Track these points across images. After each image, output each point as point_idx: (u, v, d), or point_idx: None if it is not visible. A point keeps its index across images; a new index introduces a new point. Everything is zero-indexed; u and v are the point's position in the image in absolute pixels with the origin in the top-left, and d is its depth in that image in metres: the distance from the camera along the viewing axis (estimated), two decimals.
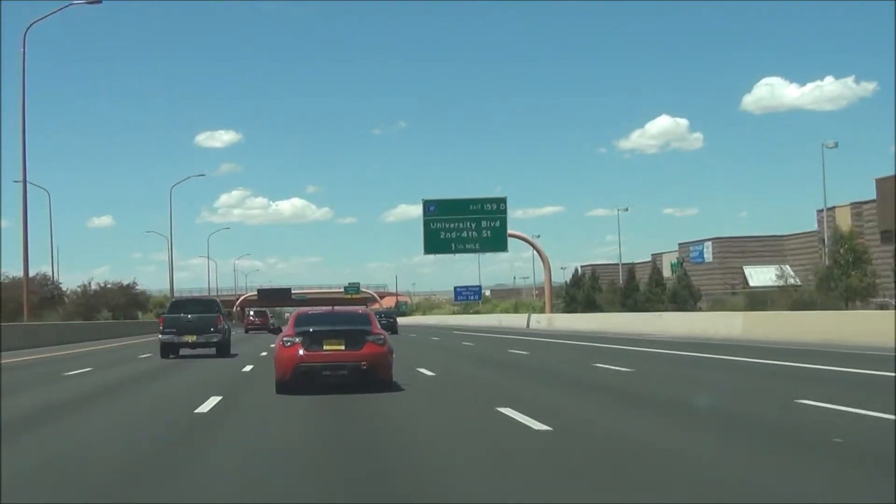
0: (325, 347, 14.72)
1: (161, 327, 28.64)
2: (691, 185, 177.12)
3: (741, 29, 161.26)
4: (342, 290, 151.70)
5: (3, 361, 24.40)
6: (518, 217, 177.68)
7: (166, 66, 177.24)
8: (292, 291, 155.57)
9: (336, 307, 25.53)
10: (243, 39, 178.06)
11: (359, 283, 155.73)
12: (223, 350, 28.78)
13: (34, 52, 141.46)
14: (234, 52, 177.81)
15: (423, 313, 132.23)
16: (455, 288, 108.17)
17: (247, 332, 71.27)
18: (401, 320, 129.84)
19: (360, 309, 19.22)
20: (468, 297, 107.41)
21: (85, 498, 6.71)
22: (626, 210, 79.32)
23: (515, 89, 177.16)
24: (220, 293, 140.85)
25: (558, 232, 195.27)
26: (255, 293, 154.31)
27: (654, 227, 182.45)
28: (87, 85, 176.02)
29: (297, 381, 14.68)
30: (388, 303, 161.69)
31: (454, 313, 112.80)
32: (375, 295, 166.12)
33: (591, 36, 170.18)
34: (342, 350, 14.71)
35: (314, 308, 20.28)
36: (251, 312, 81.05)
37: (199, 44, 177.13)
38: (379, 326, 15.82)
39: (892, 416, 10.27)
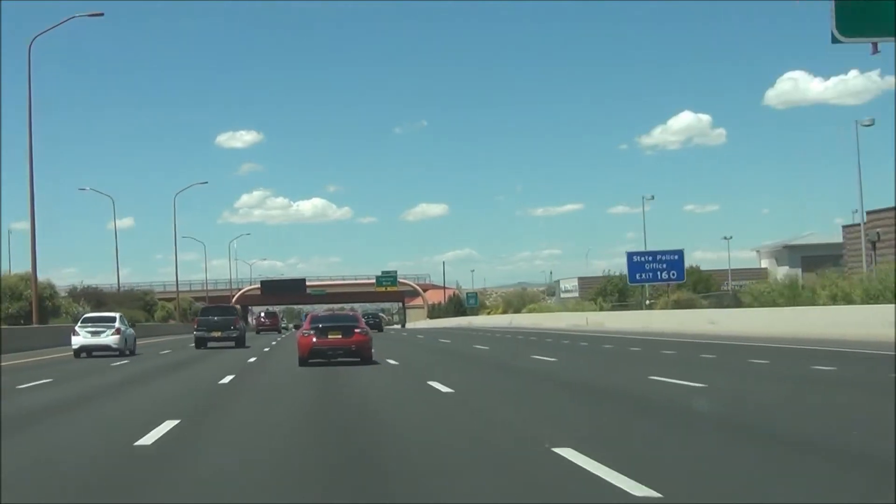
0: (329, 336, 21.98)
1: (195, 326, 38.87)
2: (713, 182, 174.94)
3: (764, 23, 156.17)
4: (373, 280, 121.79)
5: None
6: (538, 215, 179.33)
7: (187, 66, 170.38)
8: (307, 284, 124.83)
9: (336, 311, 35.81)
10: (264, 39, 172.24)
11: (395, 272, 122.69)
12: (240, 342, 37.79)
13: (53, 55, 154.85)
14: (254, 52, 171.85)
15: (505, 310, 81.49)
16: (629, 256, 54.32)
17: (258, 332, 69.66)
18: (479, 321, 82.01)
19: (352, 311, 32.53)
20: (656, 276, 53.36)
21: None
22: None
23: (536, 86, 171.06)
24: (209, 288, 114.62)
25: (578, 230, 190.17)
26: (258, 287, 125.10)
27: (673, 225, 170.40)
28: (104, 85, 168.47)
29: (312, 357, 21.98)
30: (433, 297, 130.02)
31: (599, 309, 60.60)
32: (417, 287, 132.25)
33: (612, 32, 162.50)
34: (340, 338, 21.99)
35: (322, 311, 29.22)
36: (262, 314, 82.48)
37: (219, 44, 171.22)
38: (364, 324, 23.61)
39: None
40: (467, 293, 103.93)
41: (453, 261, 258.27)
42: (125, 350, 32.53)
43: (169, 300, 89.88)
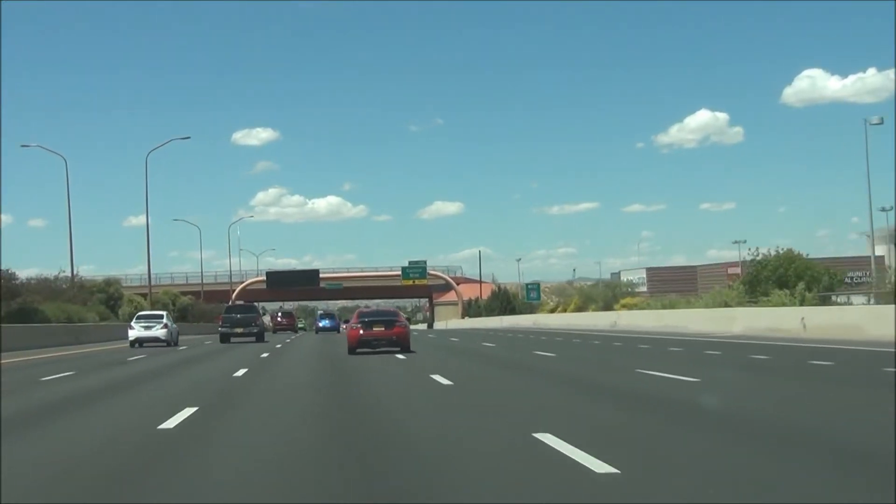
0: (374, 329, 25.19)
1: (220, 323, 42.64)
2: (730, 180, 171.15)
3: (781, 20, 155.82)
4: (397, 272, 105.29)
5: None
6: (553, 213, 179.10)
7: (203, 64, 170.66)
8: (321, 276, 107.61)
9: (380, 307, 44.27)
10: (280, 37, 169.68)
11: (425, 263, 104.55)
12: (260, 338, 40.67)
13: (66, 56, 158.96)
14: (270, 51, 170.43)
15: (580, 306, 60.50)
16: None
17: (274, 332, 69.47)
18: (554, 321, 60.84)
19: (392, 308, 38.92)
20: None
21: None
22: None
23: (553, 84, 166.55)
24: (206, 281, 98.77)
25: (592, 228, 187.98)
26: (263, 279, 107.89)
27: (690, 224, 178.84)
28: (123, 83, 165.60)
29: (360, 346, 24.96)
30: (469, 291, 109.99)
31: (798, 301, 37.91)
32: (450, 280, 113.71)
33: (630, 31, 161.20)
34: (383, 330, 25.22)
35: (367, 308, 36.25)
36: (279, 314, 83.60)
37: (235, 42, 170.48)
38: (403, 318, 27.27)
39: None
40: (527, 285, 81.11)
41: (469, 259, 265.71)
42: (171, 341, 38.78)
43: (144, 295, 68.33)
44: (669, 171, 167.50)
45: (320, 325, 70.15)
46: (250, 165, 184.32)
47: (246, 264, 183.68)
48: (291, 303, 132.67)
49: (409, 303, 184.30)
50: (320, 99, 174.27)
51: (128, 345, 37.96)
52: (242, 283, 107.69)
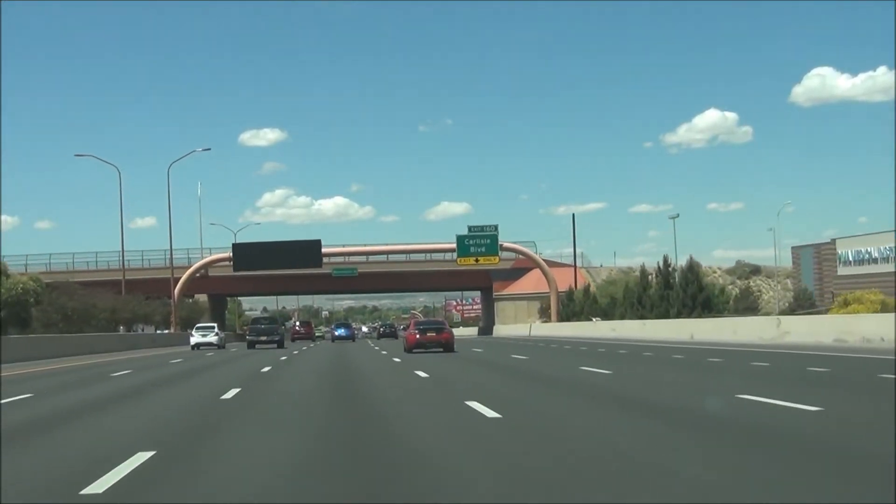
0: (427, 334, 32.88)
1: (248, 332, 54.87)
2: (739, 180, 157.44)
3: (791, 18, 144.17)
4: (446, 246, 66.94)
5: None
6: (560, 213, 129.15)
7: (212, 64, 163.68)
8: (324, 249, 70.26)
9: (431, 318, 62.71)
10: (288, 38, 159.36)
11: (496, 230, 63.83)
12: (280, 344, 50.18)
13: (70, 53, 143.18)
14: (279, 51, 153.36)
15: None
16: None
17: (293, 340, 69.04)
18: None
19: (441, 319, 59.12)
20: None
21: None
22: None
23: (560, 84, 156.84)
24: (130, 266, 67.65)
25: (599, 228, 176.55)
26: (228, 256, 71.53)
27: (699, 224, 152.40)
28: (130, 83, 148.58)
29: (415, 347, 32.21)
30: (563, 277, 68.75)
31: None
32: (538, 258, 72.36)
33: (637, 29, 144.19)
34: (434, 335, 32.75)
35: (421, 318, 50.33)
36: (297, 323, 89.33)
37: (244, 42, 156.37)
38: (448, 325, 39.73)
39: None
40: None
41: None
42: (222, 345, 51.38)
43: None
44: (677, 171, 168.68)
45: (336, 333, 72.40)
46: (258, 166, 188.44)
47: (217, 240, 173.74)
48: (288, 297, 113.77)
49: (418, 301, 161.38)
50: (328, 99, 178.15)
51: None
52: (191, 266, 66.35)
